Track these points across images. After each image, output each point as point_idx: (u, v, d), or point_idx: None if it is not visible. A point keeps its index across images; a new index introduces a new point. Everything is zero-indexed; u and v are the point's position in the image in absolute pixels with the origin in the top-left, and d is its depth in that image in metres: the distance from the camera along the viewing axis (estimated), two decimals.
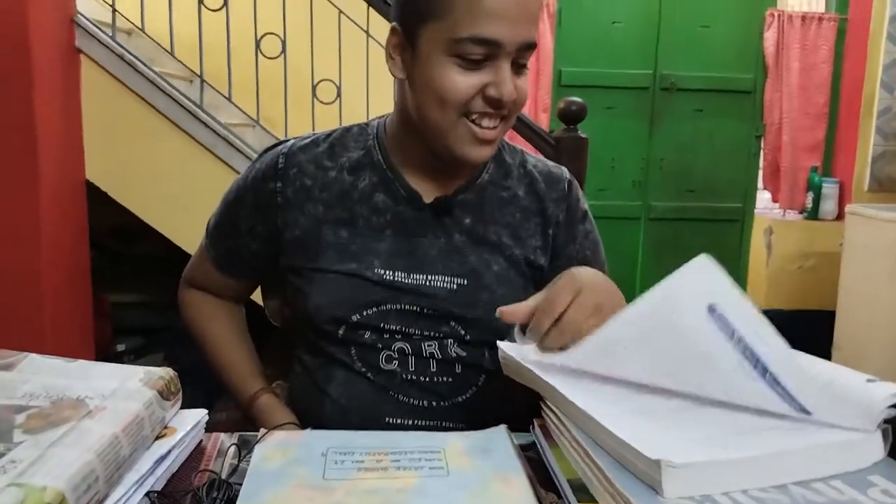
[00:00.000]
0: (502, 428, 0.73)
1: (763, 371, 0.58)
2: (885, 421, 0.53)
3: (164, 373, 0.71)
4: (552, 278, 0.87)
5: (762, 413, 0.58)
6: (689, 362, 0.61)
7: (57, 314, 2.22)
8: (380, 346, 0.90)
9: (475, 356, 0.91)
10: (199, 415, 0.72)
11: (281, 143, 0.99)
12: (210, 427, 0.74)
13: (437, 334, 0.90)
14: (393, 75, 0.88)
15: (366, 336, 0.90)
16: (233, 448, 0.70)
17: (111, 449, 0.58)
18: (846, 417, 0.54)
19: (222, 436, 0.74)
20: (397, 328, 0.90)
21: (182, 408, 0.72)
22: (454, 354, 0.90)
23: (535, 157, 1.01)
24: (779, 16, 3.47)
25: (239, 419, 1.00)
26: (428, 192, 0.92)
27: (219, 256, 1.02)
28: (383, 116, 0.98)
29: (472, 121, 0.83)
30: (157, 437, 0.67)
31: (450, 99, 0.81)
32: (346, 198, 0.92)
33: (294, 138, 0.99)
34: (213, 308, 1.07)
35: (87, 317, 2.46)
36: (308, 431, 0.74)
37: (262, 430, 0.71)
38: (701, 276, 0.62)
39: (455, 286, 0.90)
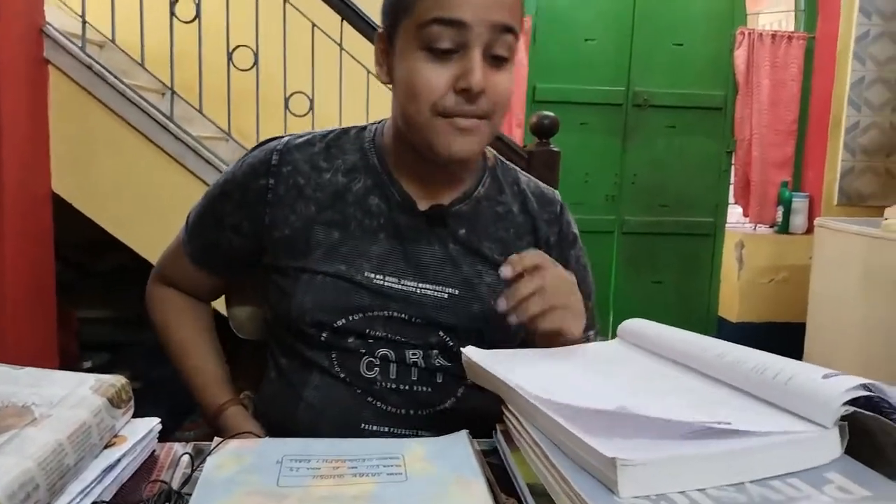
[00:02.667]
0: (463, 433, 0.72)
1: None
2: (842, 418, 0.53)
3: (116, 380, 0.69)
4: None
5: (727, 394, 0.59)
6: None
7: (19, 329, 2.17)
8: (363, 351, 0.88)
9: (458, 367, 0.90)
10: (151, 423, 0.70)
11: (275, 138, 0.96)
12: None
13: (423, 343, 0.88)
14: (381, 82, 0.88)
15: (349, 341, 0.88)
16: (185, 457, 0.68)
17: (54, 457, 0.56)
18: (804, 413, 0.54)
19: (176, 445, 0.72)
20: (383, 335, 0.87)
21: None
22: (437, 364, 0.89)
23: (527, 176, 1.00)
24: (749, 34, 3.54)
25: (208, 435, 0.98)
26: (423, 201, 0.90)
27: (196, 250, 0.99)
28: (381, 121, 0.96)
29: (448, 119, 0.81)
30: (107, 446, 0.64)
31: (422, 94, 0.80)
32: (340, 199, 0.90)
33: (290, 135, 0.96)
34: (181, 306, 1.03)
35: (52, 332, 2.41)
36: (264, 439, 0.72)
37: (217, 439, 0.69)
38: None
39: (446, 295, 0.88)
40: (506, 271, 0.76)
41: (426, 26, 0.78)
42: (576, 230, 1.01)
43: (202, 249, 0.98)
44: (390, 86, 0.87)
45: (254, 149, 0.97)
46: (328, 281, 0.87)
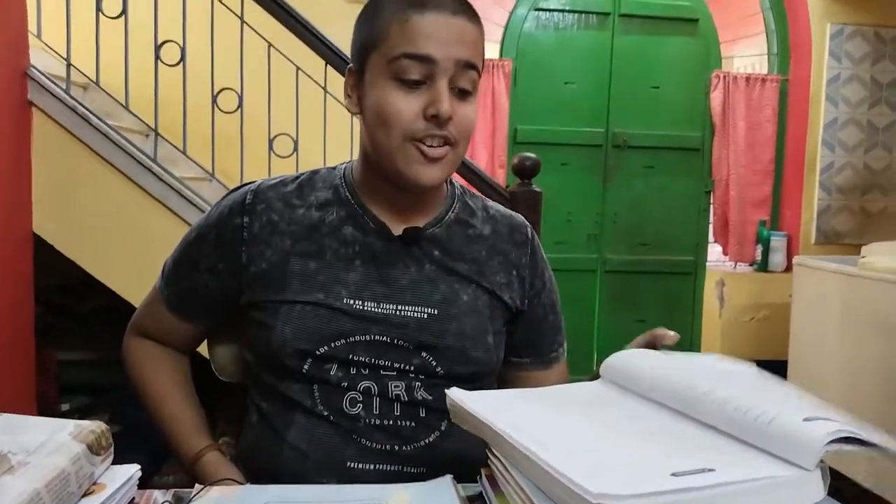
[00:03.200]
0: (447, 478, 0.72)
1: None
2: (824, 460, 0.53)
3: (96, 426, 0.68)
4: (531, 325, 0.99)
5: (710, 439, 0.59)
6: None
7: None
8: (345, 384, 0.88)
9: (441, 398, 0.90)
10: (131, 470, 0.69)
11: (247, 183, 0.99)
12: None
13: (407, 367, 0.89)
14: (350, 112, 0.93)
15: (332, 372, 0.88)
16: None
17: None
18: (785, 456, 0.54)
19: (156, 493, 0.71)
20: (366, 360, 0.88)
21: None
22: (420, 398, 0.89)
23: (493, 203, 1.05)
24: (724, 77, 3.63)
25: (188, 482, 0.96)
26: (396, 227, 0.93)
27: (172, 296, 0.99)
28: (350, 161, 1.01)
29: (418, 143, 0.85)
30: (86, 494, 0.63)
31: (392, 121, 0.84)
32: (315, 231, 0.92)
33: (262, 179, 0.99)
34: (158, 357, 1.03)
35: (30, 375, 2.37)
36: (245, 486, 0.71)
37: (198, 486, 0.68)
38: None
39: (426, 315, 0.90)
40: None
41: (396, 60, 0.84)
42: (543, 252, 1.04)
43: (179, 295, 0.99)
44: (359, 116, 0.92)
45: (228, 193, 0.99)
46: (308, 309, 0.88)
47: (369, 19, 0.89)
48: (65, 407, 2.69)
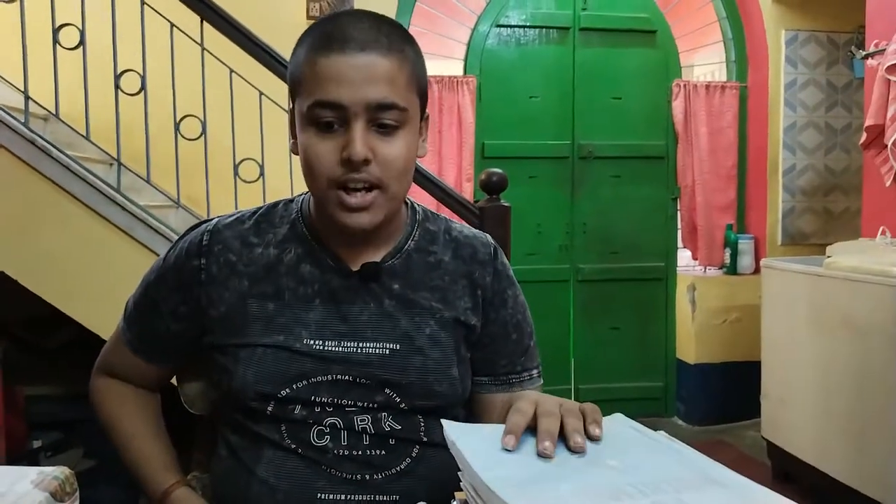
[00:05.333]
0: None
1: None
2: None
3: (59, 471, 0.66)
4: (486, 342, 0.94)
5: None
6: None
7: None
8: (311, 421, 0.87)
9: (410, 428, 0.89)
10: None
11: (205, 221, 0.98)
12: None
13: (370, 405, 0.88)
14: (294, 154, 0.91)
15: (295, 412, 0.87)
16: None
17: None
18: None
19: None
20: (328, 400, 0.87)
21: None
22: (388, 428, 0.88)
23: (458, 223, 1.03)
24: (685, 85, 3.69)
25: None
26: (355, 261, 0.92)
27: (135, 338, 0.98)
28: (307, 192, 0.98)
29: (339, 191, 0.84)
30: None
31: (314, 167, 0.84)
32: (273, 271, 0.91)
33: (219, 216, 0.98)
34: (125, 396, 1.02)
35: None
36: None
37: None
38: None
39: (387, 351, 0.89)
40: (509, 442, 0.66)
41: (312, 108, 0.83)
42: (510, 271, 1.01)
43: (140, 338, 0.98)
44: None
45: (185, 233, 0.98)
46: (268, 352, 0.87)
47: (291, 62, 0.88)
48: (37, 444, 2.63)
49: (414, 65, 0.87)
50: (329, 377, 0.87)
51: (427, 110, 0.93)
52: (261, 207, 0.98)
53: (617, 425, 0.73)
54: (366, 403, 0.88)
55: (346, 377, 0.87)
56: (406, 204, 0.98)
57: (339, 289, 0.91)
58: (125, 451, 0.99)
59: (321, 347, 0.88)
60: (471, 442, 0.67)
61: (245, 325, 0.89)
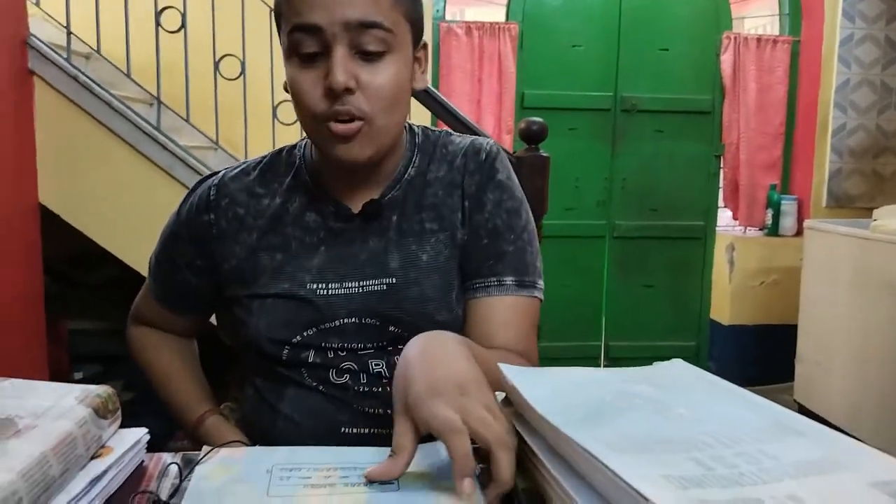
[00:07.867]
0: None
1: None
2: None
3: (102, 390, 0.68)
4: (466, 240, 0.90)
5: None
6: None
7: (8, 341, 2.15)
8: (327, 365, 0.88)
9: None
10: (139, 433, 0.69)
11: (212, 175, 0.98)
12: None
13: (381, 344, 0.88)
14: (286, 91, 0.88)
15: (310, 359, 0.88)
16: (173, 467, 0.67)
17: (38, 469, 0.55)
18: None
19: (164, 455, 0.71)
20: (340, 345, 0.88)
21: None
22: None
23: (456, 136, 0.96)
24: (735, 38, 3.56)
25: (199, 448, 0.97)
26: (357, 201, 0.90)
27: (160, 292, 1.00)
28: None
29: (327, 123, 0.80)
30: (93, 457, 0.63)
31: (301, 102, 0.81)
32: (279, 222, 0.91)
33: (225, 168, 0.98)
34: (159, 341, 1.05)
35: (41, 344, 2.39)
36: (254, 448, 0.71)
37: (206, 448, 0.68)
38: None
39: (385, 287, 0.88)
40: (467, 487, 0.58)
41: (291, 34, 0.79)
42: (503, 176, 0.92)
43: (165, 291, 1.00)
44: None
45: (195, 186, 0.98)
46: (277, 302, 0.88)
47: None
48: (78, 375, 2.73)
49: None
50: (336, 323, 0.87)
51: (424, 38, 0.88)
52: (265, 156, 0.97)
53: (679, 370, 0.71)
54: (376, 343, 0.88)
55: (353, 319, 0.87)
56: (406, 129, 0.93)
57: (343, 233, 0.90)
58: (162, 389, 1.02)
59: (325, 292, 0.87)
60: (533, 388, 0.64)
61: (256, 276, 0.89)
